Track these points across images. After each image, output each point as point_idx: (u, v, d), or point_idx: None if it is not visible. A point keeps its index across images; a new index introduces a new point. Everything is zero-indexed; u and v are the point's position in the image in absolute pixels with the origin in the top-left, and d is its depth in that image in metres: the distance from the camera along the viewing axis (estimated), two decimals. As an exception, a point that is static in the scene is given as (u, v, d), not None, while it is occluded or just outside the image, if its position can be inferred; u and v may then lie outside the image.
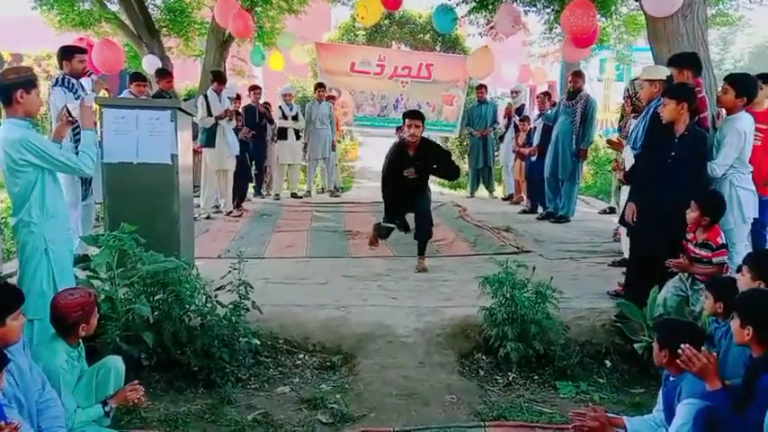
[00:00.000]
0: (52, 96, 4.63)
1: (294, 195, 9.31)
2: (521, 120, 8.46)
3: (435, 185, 12.88)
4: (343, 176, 10.85)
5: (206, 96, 7.32)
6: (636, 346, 3.53)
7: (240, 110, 8.00)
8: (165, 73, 7.52)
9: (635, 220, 3.99)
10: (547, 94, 7.90)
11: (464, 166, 13.00)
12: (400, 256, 5.55)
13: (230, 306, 3.40)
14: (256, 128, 8.31)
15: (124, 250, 3.33)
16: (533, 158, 7.71)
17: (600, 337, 3.79)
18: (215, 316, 3.29)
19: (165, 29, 11.31)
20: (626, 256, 5.18)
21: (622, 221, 4.61)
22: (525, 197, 8.56)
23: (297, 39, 10.90)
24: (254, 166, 8.86)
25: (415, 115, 4.93)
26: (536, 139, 7.65)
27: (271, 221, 7.27)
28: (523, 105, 9.17)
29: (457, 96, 10.38)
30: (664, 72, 4.28)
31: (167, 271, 3.30)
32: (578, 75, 7.15)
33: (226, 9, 8.35)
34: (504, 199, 9.36)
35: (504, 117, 9.20)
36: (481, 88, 9.62)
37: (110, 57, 8.55)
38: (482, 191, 9.88)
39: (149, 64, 9.30)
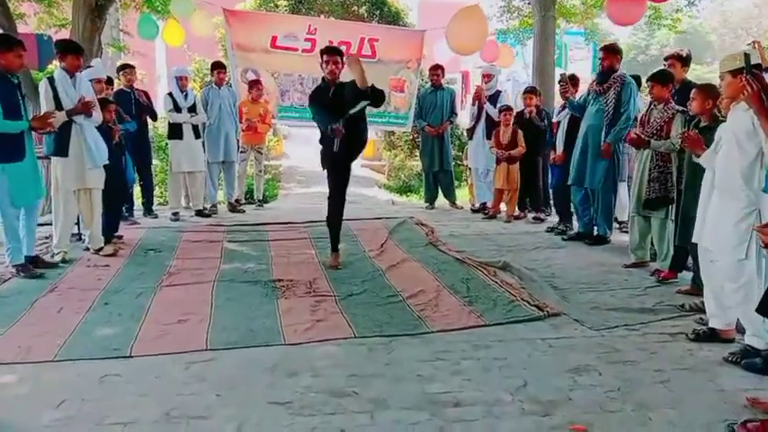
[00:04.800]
0: None
1: (200, 213, 6.94)
2: (503, 111, 6.47)
3: (384, 190, 10.77)
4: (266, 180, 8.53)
5: (50, 80, 4.82)
6: None
7: (111, 97, 5.50)
8: (7, 43, 4.66)
9: None
10: (573, 79, 5.93)
11: (416, 164, 10.98)
12: (364, 336, 3.43)
13: None
14: (137, 123, 5.87)
15: None
16: (557, 165, 5.94)
17: None
18: None
19: (16, -10, 8.50)
20: (717, 327, 3.35)
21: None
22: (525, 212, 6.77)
23: (199, 5, 8.37)
24: (137, 176, 6.44)
25: (332, 51, 4.74)
26: (560, 139, 5.76)
27: (159, 263, 4.92)
28: (500, 92, 7.15)
29: (408, 81, 8.18)
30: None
31: None
32: (612, 50, 5.22)
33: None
34: (475, 211, 7.38)
35: (474, 103, 7.19)
36: (437, 69, 7.59)
37: None
38: (441, 199, 7.91)
39: None
